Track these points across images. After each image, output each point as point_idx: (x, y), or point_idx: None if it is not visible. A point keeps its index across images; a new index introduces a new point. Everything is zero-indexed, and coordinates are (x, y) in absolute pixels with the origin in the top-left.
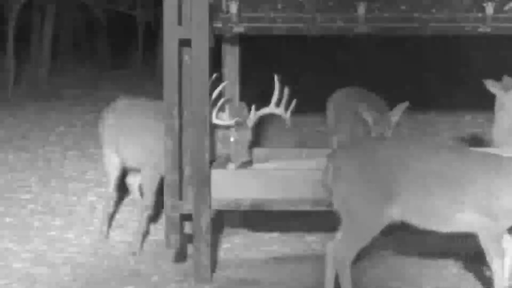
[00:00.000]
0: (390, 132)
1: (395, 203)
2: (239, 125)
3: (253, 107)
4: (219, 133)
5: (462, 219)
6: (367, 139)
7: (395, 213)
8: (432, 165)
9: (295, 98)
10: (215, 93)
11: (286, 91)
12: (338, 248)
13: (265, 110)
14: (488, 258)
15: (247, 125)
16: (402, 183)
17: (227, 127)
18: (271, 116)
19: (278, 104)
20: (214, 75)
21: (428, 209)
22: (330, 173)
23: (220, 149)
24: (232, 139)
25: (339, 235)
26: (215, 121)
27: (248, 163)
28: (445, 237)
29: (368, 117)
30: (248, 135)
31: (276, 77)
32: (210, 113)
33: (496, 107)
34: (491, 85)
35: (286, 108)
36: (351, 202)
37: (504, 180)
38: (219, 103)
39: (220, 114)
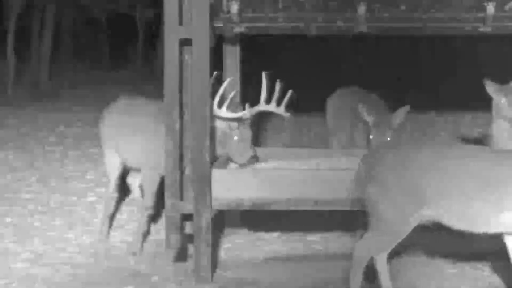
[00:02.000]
0: (390, 135)
1: (429, 207)
2: (239, 123)
3: (247, 104)
4: (219, 133)
5: (500, 221)
6: (403, 142)
7: (427, 216)
8: (471, 167)
9: (295, 98)
10: (220, 90)
11: (278, 86)
12: (359, 245)
13: (256, 108)
14: None
15: (246, 122)
16: (439, 187)
17: (228, 127)
18: (271, 116)
19: (268, 101)
20: (215, 73)
21: (467, 211)
22: (363, 173)
23: (220, 149)
24: (235, 138)
25: (366, 234)
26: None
27: (255, 159)
28: (444, 237)
29: (369, 118)
30: (249, 133)
31: (263, 75)
32: (211, 113)
33: (494, 110)
34: (491, 88)
35: (279, 103)
36: (379, 205)
37: None
38: (217, 97)
39: (219, 110)
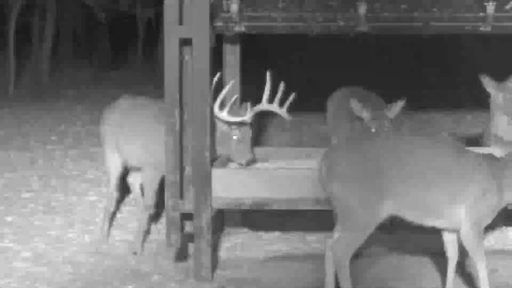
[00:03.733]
0: (388, 127)
1: (389, 198)
2: (240, 123)
3: (248, 104)
4: (218, 134)
5: (451, 214)
6: (358, 136)
7: (389, 208)
8: (425, 159)
9: (295, 97)
10: (222, 93)
11: (281, 87)
12: (336, 247)
13: (258, 107)
14: (474, 260)
15: (246, 122)
16: (395, 178)
17: (228, 127)
18: (271, 115)
19: (271, 100)
20: (218, 75)
21: (420, 203)
22: (324, 172)
23: (219, 149)
24: (235, 138)
25: (336, 233)
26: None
27: (253, 161)
28: None
29: (364, 113)
30: (249, 133)
31: (268, 74)
32: (212, 113)
33: (492, 106)
34: (488, 83)
35: (281, 104)
36: (346, 201)
37: (494, 181)
38: (219, 99)
39: (220, 113)
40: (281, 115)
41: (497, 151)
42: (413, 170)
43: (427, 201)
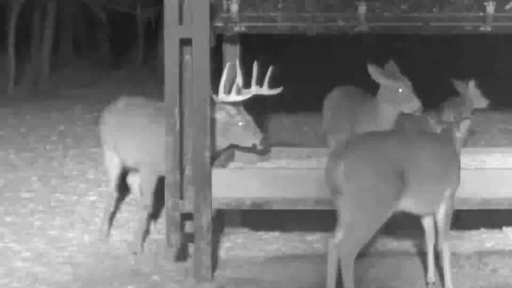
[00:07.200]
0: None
1: (407, 195)
2: (238, 110)
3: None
4: (219, 126)
5: (444, 198)
6: (371, 134)
7: (403, 204)
8: (431, 153)
9: (296, 97)
10: (223, 77)
11: (255, 68)
12: (344, 245)
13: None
14: (443, 238)
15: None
16: (415, 175)
17: (230, 116)
18: (270, 115)
19: (247, 86)
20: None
21: (430, 195)
22: (340, 172)
23: (223, 141)
24: (240, 124)
25: (339, 233)
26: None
27: (266, 140)
28: None
29: (380, 79)
30: (249, 115)
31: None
32: (212, 110)
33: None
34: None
35: (259, 83)
36: (362, 200)
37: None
38: (221, 85)
39: (226, 97)
40: (266, 94)
41: None
42: (427, 165)
43: (435, 192)
